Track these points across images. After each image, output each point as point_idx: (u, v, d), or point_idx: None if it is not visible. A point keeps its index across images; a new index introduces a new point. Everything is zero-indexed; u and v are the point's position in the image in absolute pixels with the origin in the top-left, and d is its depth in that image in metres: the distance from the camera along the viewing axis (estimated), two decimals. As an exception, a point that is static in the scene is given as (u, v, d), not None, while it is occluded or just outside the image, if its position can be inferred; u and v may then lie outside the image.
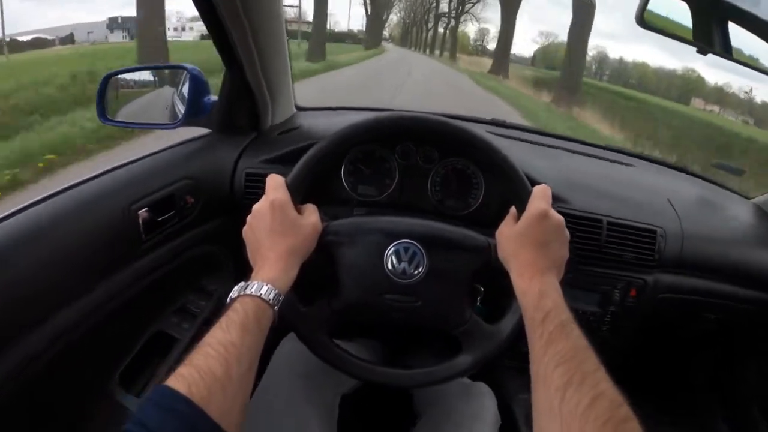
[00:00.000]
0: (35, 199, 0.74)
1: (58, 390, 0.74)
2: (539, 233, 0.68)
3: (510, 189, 0.73)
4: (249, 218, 0.70)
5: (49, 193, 0.76)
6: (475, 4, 53.79)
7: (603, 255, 0.98)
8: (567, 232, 0.70)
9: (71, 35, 29.76)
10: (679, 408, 1.40)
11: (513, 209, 0.74)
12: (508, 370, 1.10)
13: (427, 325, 0.78)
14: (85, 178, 0.82)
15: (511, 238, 0.70)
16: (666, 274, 1.03)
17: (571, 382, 0.50)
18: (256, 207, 0.70)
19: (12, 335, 0.64)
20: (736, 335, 1.22)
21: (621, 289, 1.02)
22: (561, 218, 0.69)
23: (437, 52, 62.84)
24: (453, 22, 60.26)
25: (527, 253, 0.67)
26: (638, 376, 1.40)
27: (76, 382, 0.79)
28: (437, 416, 0.92)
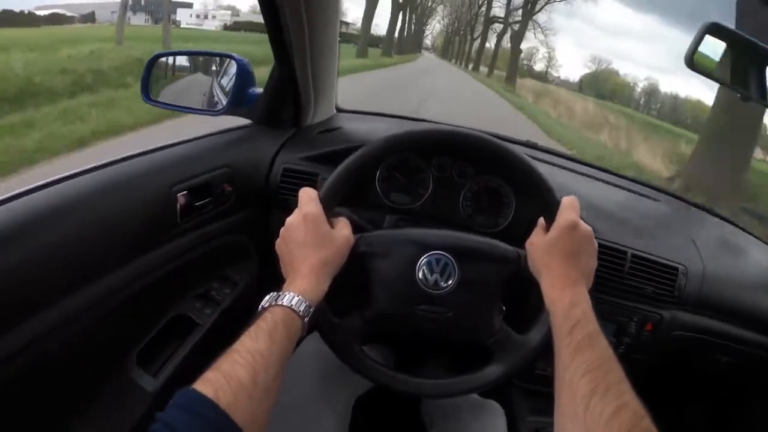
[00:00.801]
0: (82, 168, 0.75)
1: (77, 363, 0.74)
2: (569, 244, 0.69)
3: (539, 200, 0.74)
4: (282, 231, 0.71)
5: (96, 164, 0.77)
6: (545, 5, 37.45)
7: (624, 287, 0.98)
8: (596, 243, 0.71)
9: (92, 14, 29.19)
10: None
11: (541, 220, 0.75)
12: (519, 390, 1.10)
13: (458, 336, 0.79)
14: (131, 154, 0.83)
15: (541, 249, 0.71)
16: (683, 312, 1.03)
17: (596, 391, 0.51)
18: (289, 220, 0.71)
19: (45, 302, 0.65)
20: (748, 380, 1.22)
21: (637, 322, 1.02)
22: (590, 229, 0.70)
23: (484, 68, 45.67)
24: (516, 27, 39.38)
25: (558, 263, 0.68)
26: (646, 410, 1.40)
27: (95, 356, 0.79)
28: (448, 429, 0.92)
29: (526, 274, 0.73)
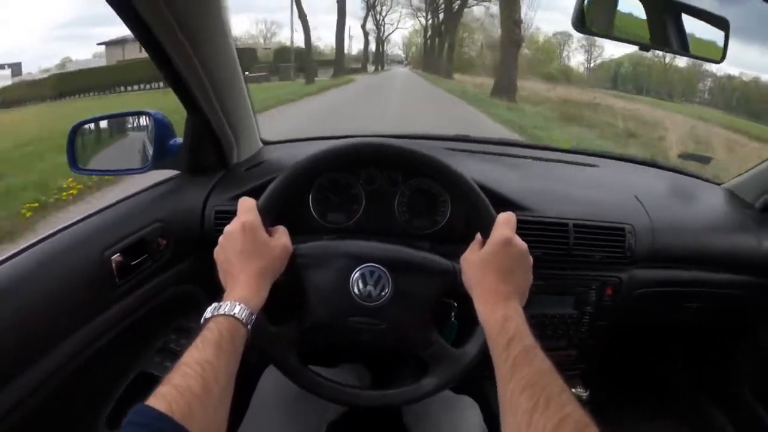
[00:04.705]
0: (11, 252, 0.77)
1: None
2: (503, 260, 0.69)
3: (475, 215, 0.75)
4: (220, 239, 0.72)
5: (24, 245, 0.79)
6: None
7: (573, 257, 0.99)
8: (531, 259, 0.72)
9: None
10: (672, 398, 1.40)
11: (478, 236, 0.75)
12: (492, 381, 1.10)
13: (393, 347, 0.79)
14: (58, 228, 0.85)
15: (474, 265, 0.71)
16: (641, 269, 1.04)
17: (537, 407, 0.51)
18: (227, 228, 0.72)
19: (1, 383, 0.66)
20: (718, 320, 1.21)
21: (596, 289, 1.03)
22: (525, 245, 0.71)
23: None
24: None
25: (490, 280, 0.69)
26: (623, 371, 1.41)
27: (64, 426, 0.80)
28: (424, 431, 0.92)
29: (461, 289, 0.74)
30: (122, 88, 17.93)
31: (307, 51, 25.00)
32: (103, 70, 20.41)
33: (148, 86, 16.77)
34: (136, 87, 17.58)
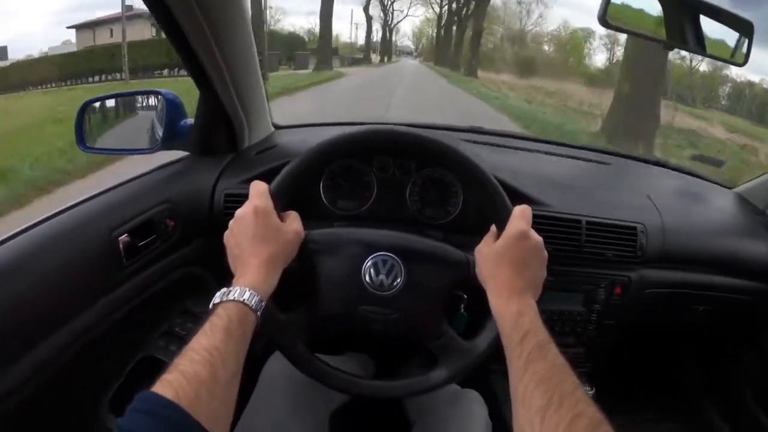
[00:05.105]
0: (17, 230, 0.75)
1: (48, 417, 0.74)
2: (518, 253, 0.68)
3: (491, 207, 0.74)
4: (231, 223, 0.71)
5: (30, 223, 0.77)
6: None
7: (584, 255, 0.98)
8: (545, 253, 0.71)
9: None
10: (672, 399, 1.41)
11: (493, 228, 0.75)
12: (497, 375, 1.10)
13: (403, 336, 0.79)
14: (65, 206, 0.83)
15: (489, 257, 0.70)
16: (650, 269, 1.03)
17: (550, 403, 0.51)
18: (239, 212, 0.71)
19: (5, 361, 0.65)
20: (725, 324, 1.22)
21: (605, 288, 1.02)
22: (540, 239, 0.70)
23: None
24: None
25: (505, 273, 0.68)
26: (630, 371, 1.41)
27: (66, 408, 0.79)
28: (429, 425, 0.92)
29: (474, 281, 0.73)
30: (88, 79, 16.42)
31: (258, 34, 18.64)
32: (59, 59, 18.38)
33: (109, 77, 15.90)
34: (96, 78, 16.36)
